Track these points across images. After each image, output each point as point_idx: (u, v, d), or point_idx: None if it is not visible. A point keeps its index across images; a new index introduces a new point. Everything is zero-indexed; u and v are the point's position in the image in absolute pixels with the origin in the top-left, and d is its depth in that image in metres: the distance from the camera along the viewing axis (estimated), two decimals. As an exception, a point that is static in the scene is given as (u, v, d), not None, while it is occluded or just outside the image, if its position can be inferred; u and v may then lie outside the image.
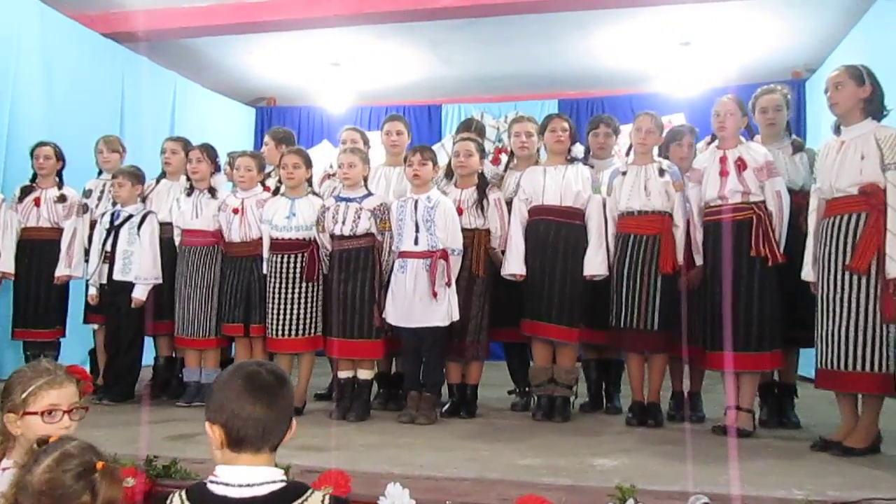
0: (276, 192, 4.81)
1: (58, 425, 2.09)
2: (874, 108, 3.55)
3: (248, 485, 1.64)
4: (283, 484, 1.67)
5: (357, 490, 2.56)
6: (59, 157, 5.37)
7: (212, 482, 1.67)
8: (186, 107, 8.08)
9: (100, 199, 5.45)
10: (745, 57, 7.41)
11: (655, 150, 4.44)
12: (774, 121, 4.33)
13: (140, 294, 4.88)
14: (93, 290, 5.10)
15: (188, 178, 5.06)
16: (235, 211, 4.76)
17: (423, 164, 4.36)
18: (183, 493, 1.69)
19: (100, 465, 1.75)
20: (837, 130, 3.68)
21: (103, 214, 5.14)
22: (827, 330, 3.52)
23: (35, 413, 2.09)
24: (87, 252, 5.29)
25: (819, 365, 3.59)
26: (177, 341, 5.01)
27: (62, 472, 1.72)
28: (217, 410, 1.69)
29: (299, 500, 1.64)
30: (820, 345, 3.57)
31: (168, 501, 1.69)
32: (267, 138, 5.44)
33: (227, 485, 1.65)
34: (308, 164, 4.68)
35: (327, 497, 1.66)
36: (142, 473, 2.72)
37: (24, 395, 2.10)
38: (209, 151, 5.05)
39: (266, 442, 1.68)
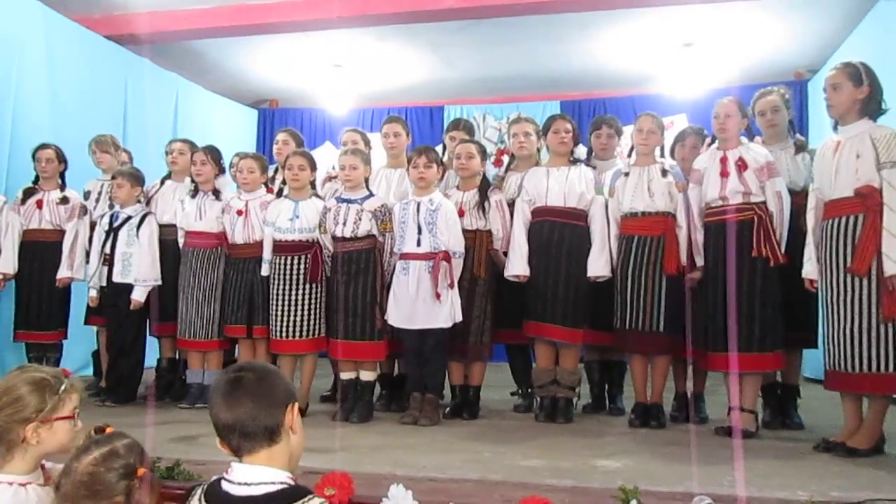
0: (279, 193, 4.82)
1: (77, 428, 2.13)
2: (872, 108, 3.55)
3: (247, 483, 1.67)
4: (283, 486, 1.68)
5: (360, 491, 2.56)
6: (62, 159, 5.38)
7: (222, 479, 1.72)
8: (189, 109, 8.09)
9: (97, 200, 5.46)
10: (747, 58, 7.41)
11: (658, 151, 4.44)
12: (774, 122, 4.32)
13: (139, 296, 4.88)
14: (93, 293, 5.10)
15: (192, 180, 5.07)
16: (239, 213, 4.77)
17: (429, 167, 4.36)
18: (204, 487, 1.75)
19: (141, 471, 1.80)
20: (836, 126, 3.68)
21: (102, 216, 5.14)
22: (832, 332, 3.52)
23: (67, 417, 2.11)
24: (87, 254, 5.30)
25: (827, 367, 3.59)
26: (179, 343, 5.01)
27: (105, 468, 1.78)
28: (215, 428, 1.76)
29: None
30: (826, 347, 3.58)
31: (190, 498, 1.74)
32: (287, 136, 5.38)
33: (230, 482, 1.69)
34: (313, 166, 4.69)
35: None
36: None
37: (54, 402, 2.10)
38: (213, 153, 5.06)
39: (251, 441, 1.71)
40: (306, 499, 1.65)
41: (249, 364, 1.86)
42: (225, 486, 1.69)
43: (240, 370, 1.78)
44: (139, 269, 4.90)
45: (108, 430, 1.89)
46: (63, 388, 2.13)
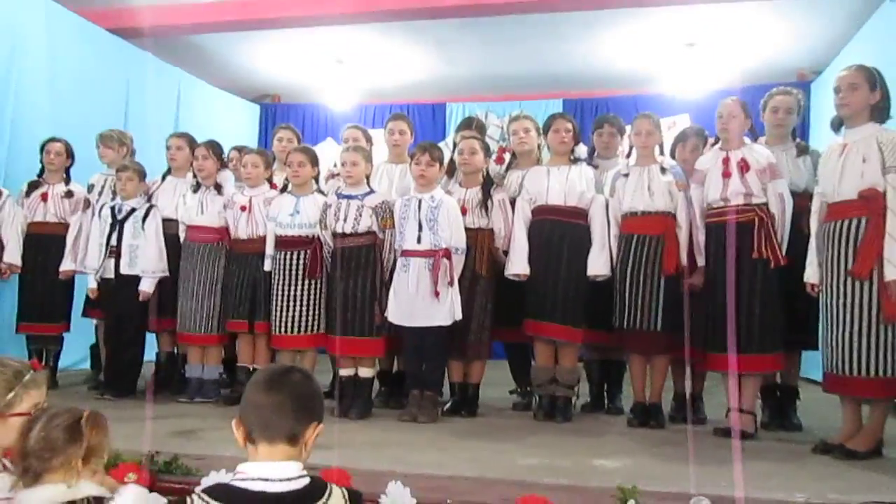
0: (284, 189, 4.82)
1: None
2: (880, 114, 3.55)
3: (266, 479, 1.65)
4: (306, 481, 1.67)
5: (358, 488, 2.55)
6: (70, 154, 5.43)
7: (234, 479, 1.68)
8: (191, 103, 8.10)
9: (100, 193, 5.46)
10: (750, 58, 7.40)
11: (657, 150, 4.44)
12: (783, 122, 4.31)
13: (147, 287, 4.90)
14: (93, 284, 5.09)
15: (194, 175, 5.06)
16: (243, 208, 4.77)
17: (431, 166, 4.35)
18: (200, 491, 1.68)
19: (85, 413, 1.89)
20: (837, 128, 3.68)
21: (102, 207, 5.13)
22: (832, 335, 3.51)
23: (23, 414, 2.03)
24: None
25: (826, 370, 3.58)
26: (179, 337, 5.01)
27: (53, 427, 1.88)
28: (240, 407, 1.77)
29: (321, 501, 1.65)
30: (826, 350, 3.57)
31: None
32: (291, 134, 5.43)
33: (243, 478, 1.66)
34: (314, 162, 4.69)
35: (344, 491, 1.70)
36: (144, 469, 2.72)
37: (9, 397, 2.04)
38: (215, 148, 5.06)
39: (272, 430, 1.68)
40: (327, 493, 1.69)
41: (300, 368, 1.90)
42: (239, 483, 1.65)
43: (285, 367, 1.84)
44: (146, 260, 4.92)
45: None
46: (25, 380, 2.08)
